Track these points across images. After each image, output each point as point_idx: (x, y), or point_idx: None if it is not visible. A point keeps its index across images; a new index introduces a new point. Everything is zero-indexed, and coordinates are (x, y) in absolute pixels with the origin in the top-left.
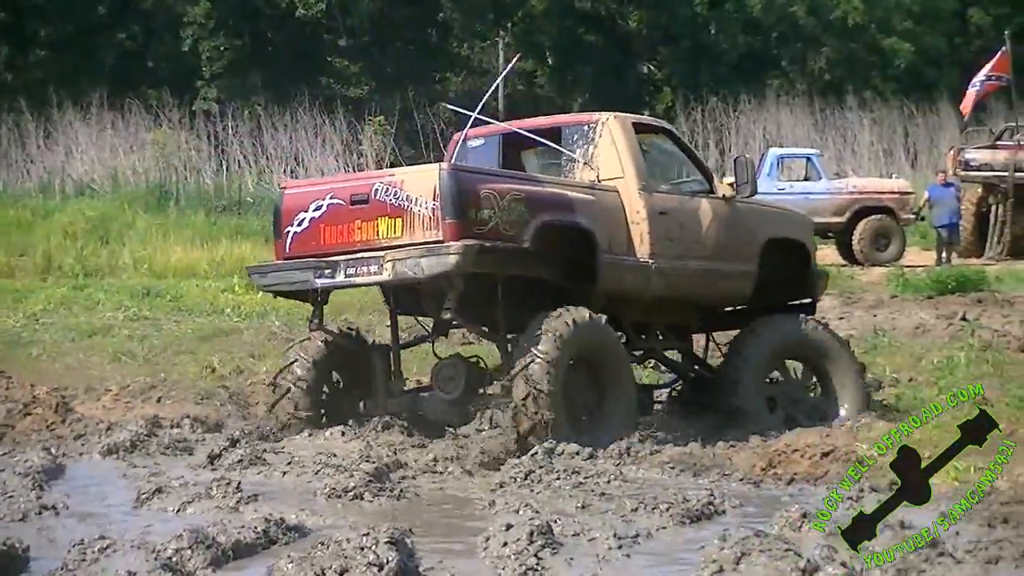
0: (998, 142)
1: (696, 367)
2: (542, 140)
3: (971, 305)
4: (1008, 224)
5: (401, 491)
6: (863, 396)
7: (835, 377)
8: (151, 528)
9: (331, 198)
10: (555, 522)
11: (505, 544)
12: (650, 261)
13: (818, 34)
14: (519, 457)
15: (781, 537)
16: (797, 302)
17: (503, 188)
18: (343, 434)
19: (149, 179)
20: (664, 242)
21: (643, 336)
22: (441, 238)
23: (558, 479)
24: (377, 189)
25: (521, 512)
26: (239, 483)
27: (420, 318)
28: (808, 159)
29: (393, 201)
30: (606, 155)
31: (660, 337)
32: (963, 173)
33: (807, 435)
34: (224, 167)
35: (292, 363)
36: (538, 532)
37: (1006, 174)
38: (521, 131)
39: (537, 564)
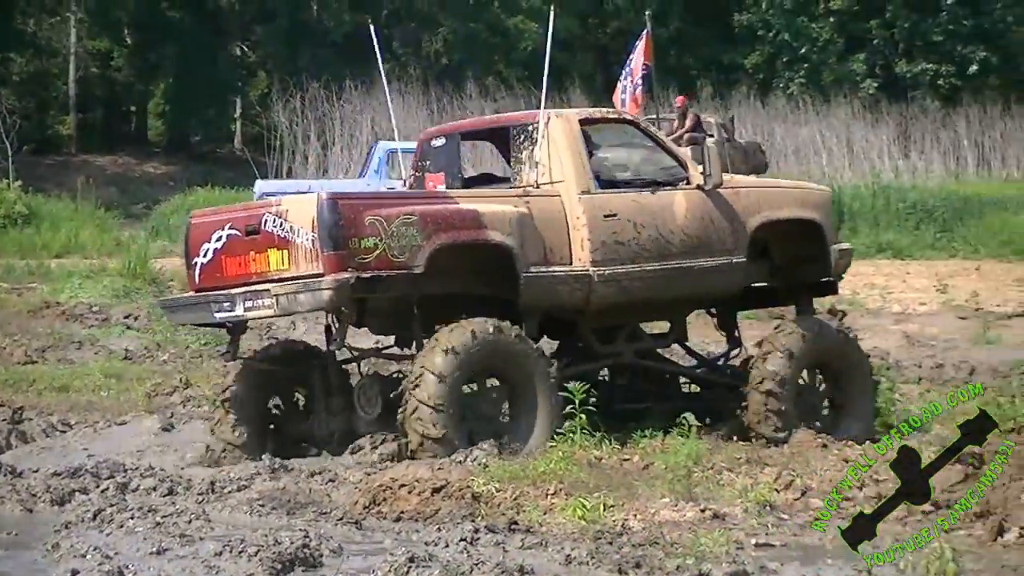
0: None
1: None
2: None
3: None
4: None
5: None
6: (873, 412)
7: (852, 388)
8: None
9: (229, 228)
10: (127, 568)
11: None
12: (591, 269)
13: (435, 12)
14: (87, 493)
15: None
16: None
17: (392, 212)
18: None
19: None
20: (612, 247)
21: (608, 341)
22: (321, 271)
23: (132, 518)
24: (266, 220)
25: (89, 557)
26: None
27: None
28: None
29: (280, 232)
30: (547, 157)
31: (632, 341)
32: None
33: (416, 468)
34: None
35: (230, 385)
36: None
37: None
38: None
39: None
